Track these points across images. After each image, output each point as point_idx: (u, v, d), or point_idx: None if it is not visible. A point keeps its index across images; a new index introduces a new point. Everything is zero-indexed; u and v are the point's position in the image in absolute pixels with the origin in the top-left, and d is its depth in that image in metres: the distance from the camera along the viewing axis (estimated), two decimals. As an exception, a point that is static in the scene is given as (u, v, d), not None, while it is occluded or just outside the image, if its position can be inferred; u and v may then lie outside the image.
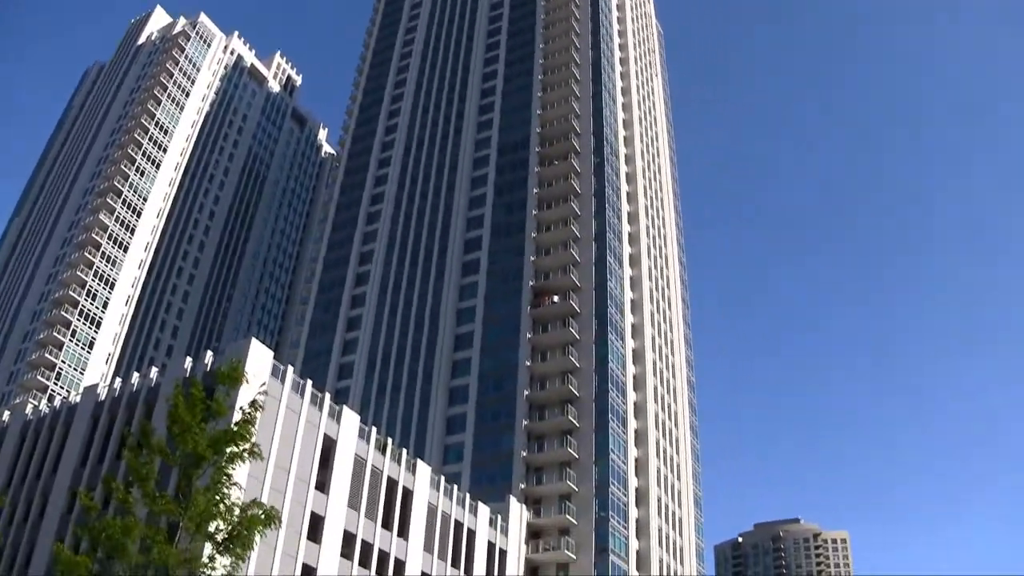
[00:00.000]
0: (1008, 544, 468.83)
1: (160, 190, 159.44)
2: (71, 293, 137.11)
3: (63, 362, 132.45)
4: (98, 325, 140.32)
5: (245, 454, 28.44)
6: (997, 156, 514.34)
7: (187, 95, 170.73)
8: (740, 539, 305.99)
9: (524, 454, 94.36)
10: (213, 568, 27.51)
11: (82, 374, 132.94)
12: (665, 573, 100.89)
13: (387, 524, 67.05)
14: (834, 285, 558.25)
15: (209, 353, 62.49)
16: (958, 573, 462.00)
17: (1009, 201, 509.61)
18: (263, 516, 27.46)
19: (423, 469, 72.59)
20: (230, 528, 27.22)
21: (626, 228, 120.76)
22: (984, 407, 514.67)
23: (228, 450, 28.11)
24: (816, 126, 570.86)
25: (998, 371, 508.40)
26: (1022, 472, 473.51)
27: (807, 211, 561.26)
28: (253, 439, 28.57)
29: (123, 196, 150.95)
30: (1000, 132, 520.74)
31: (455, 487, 77.67)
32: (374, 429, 69.31)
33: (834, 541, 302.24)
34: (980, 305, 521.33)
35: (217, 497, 27.40)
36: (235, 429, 28.08)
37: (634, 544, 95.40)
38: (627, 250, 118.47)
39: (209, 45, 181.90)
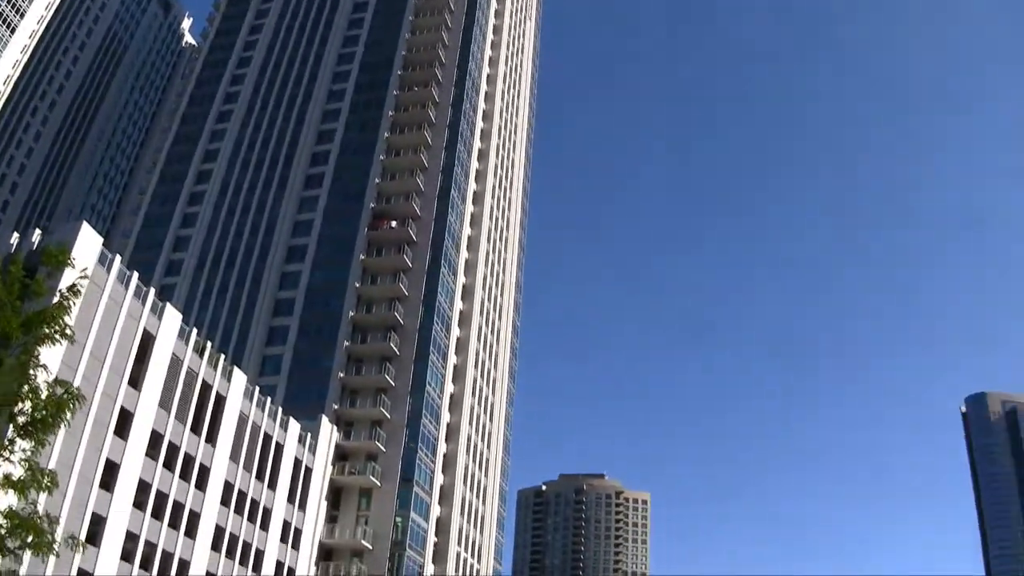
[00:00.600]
0: (796, 514, 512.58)
1: (11, 56, 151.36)
2: None
3: None
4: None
5: (57, 335, 28.90)
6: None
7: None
8: (544, 487, 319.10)
9: (342, 375, 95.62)
10: (12, 451, 28.13)
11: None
12: (467, 510, 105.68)
13: (196, 428, 67.09)
14: (667, 243, 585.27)
15: (37, 232, 60.94)
16: (748, 543, 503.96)
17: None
18: (67, 397, 28.05)
19: (239, 377, 72.82)
20: (34, 410, 27.90)
21: (475, 165, 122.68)
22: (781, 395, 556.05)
23: (39, 331, 28.61)
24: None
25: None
26: (812, 450, 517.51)
27: (649, 171, 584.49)
28: (67, 322, 29.07)
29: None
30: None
31: (269, 399, 78.39)
32: (195, 330, 68.79)
33: (635, 500, 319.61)
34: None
35: (24, 378, 27.78)
36: (50, 311, 28.60)
37: (439, 478, 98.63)
38: (472, 187, 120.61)
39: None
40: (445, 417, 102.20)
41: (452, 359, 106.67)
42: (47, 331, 27.80)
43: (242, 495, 72.21)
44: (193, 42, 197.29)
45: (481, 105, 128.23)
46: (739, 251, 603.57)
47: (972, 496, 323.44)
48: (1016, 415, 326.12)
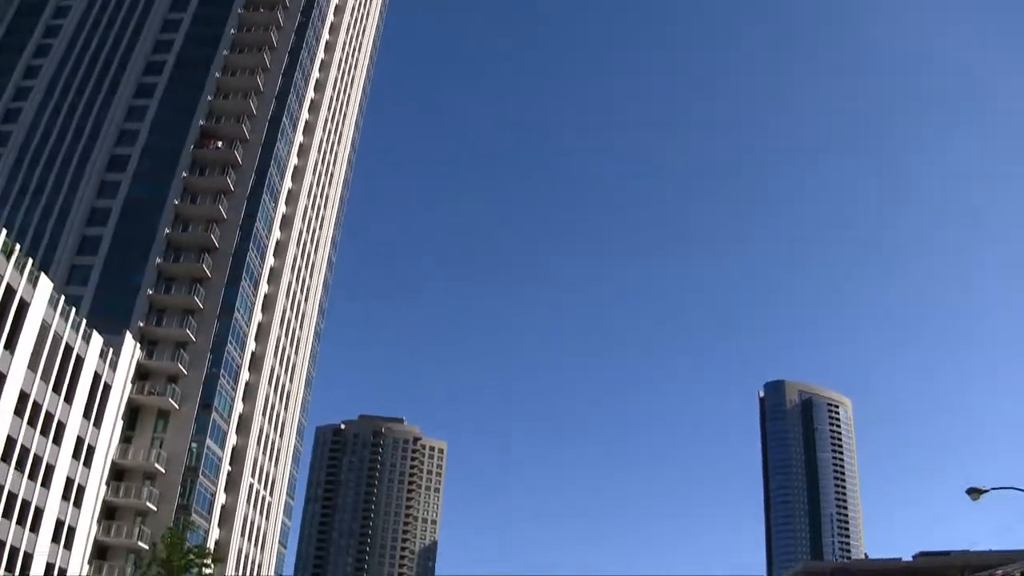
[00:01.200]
0: (588, 486, 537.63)
1: None
2: None
3: None
4: None
5: None
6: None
7: None
8: (343, 426, 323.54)
9: (151, 292, 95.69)
10: None
11: None
12: (264, 441, 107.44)
13: (-6, 333, 65.12)
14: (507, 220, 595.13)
15: None
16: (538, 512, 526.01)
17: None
18: None
19: (45, 284, 71.35)
20: None
21: (310, 94, 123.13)
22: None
23: None
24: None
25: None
26: (610, 426, 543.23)
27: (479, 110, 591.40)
28: None
29: None
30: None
31: (74, 310, 77.40)
32: (3, 231, 67.25)
33: (432, 448, 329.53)
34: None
35: None
36: None
37: (239, 407, 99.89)
38: (305, 116, 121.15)
39: None
40: (251, 346, 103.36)
41: (264, 287, 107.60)
42: None
43: (37, 406, 70.88)
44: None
45: (325, 35, 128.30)
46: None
47: (761, 481, 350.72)
48: (811, 405, 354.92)
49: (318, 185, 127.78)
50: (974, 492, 35.31)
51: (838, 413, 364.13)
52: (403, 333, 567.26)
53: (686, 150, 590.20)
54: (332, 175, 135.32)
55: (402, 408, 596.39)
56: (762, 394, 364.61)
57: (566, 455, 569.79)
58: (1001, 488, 36.78)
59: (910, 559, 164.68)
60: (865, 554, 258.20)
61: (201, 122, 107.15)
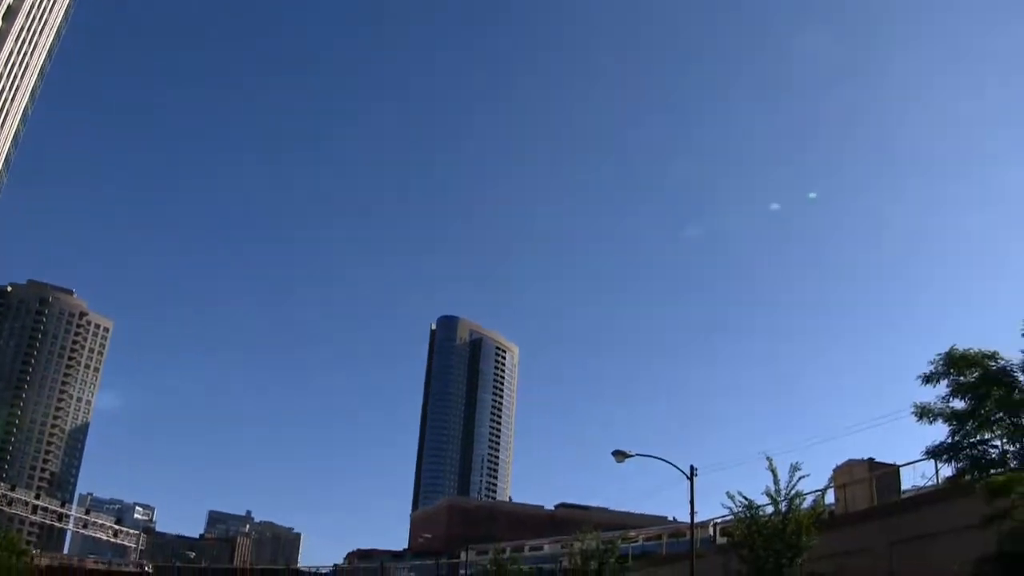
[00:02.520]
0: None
1: None
2: None
3: None
4: None
5: None
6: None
7: None
8: (9, 288, 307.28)
9: None
10: None
11: None
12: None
13: None
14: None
15: None
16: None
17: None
18: None
19: None
20: None
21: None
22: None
23: None
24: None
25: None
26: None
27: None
28: None
29: None
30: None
31: None
32: None
33: (98, 326, 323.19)
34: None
35: None
36: None
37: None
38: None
39: None
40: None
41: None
42: None
43: None
44: None
45: None
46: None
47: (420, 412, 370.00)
48: (480, 345, 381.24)
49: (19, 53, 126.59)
50: (619, 455, 42.68)
51: (505, 358, 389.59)
52: (89, 205, 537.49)
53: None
54: (36, 44, 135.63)
55: (75, 278, 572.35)
56: (434, 327, 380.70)
57: (249, 364, 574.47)
58: (644, 455, 43.83)
59: (552, 508, 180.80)
60: (510, 497, 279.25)
61: None
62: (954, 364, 25.38)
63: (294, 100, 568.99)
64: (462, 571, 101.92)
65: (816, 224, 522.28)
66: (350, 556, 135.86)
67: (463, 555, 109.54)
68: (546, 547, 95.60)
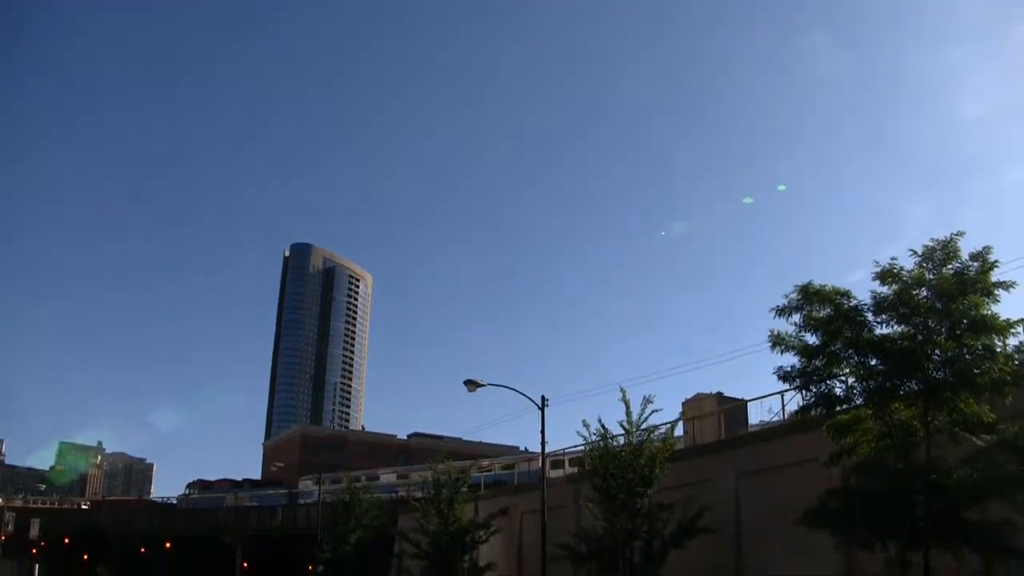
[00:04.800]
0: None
1: None
2: None
3: None
4: None
5: None
6: None
7: None
8: None
9: None
10: None
11: None
12: None
13: None
14: None
15: None
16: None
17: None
18: None
19: None
20: None
21: None
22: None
23: None
24: None
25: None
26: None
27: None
28: None
29: None
30: None
31: None
32: None
33: None
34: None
35: None
36: None
37: None
38: None
39: None
40: None
41: None
42: None
43: None
44: None
45: None
46: None
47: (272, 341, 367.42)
48: (334, 274, 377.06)
49: None
50: (471, 384, 42.51)
51: (358, 286, 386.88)
52: None
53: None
54: None
55: None
56: (287, 254, 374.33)
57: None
58: (495, 385, 43.71)
59: (404, 437, 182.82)
60: (363, 426, 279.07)
61: None
62: (808, 298, 25.48)
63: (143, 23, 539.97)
64: (301, 500, 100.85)
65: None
66: (191, 486, 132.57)
67: (300, 484, 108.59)
68: (398, 476, 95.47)
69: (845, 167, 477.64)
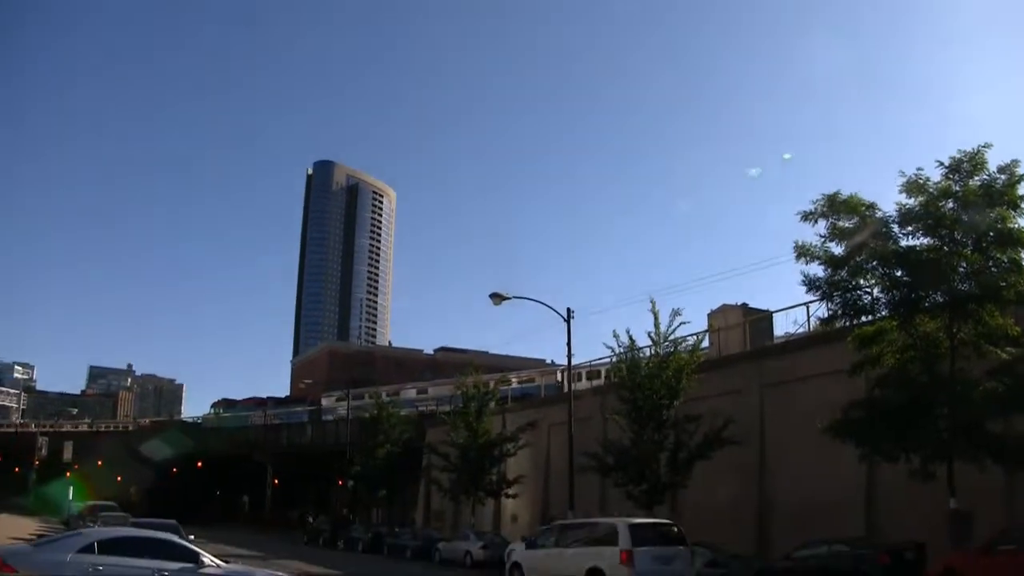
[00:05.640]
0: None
1: None
2: None
3: None
4: None
5: None
6: None
7: None
8: None
9: None
10: None
11: None
12: None
13: None
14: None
15: None
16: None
17: None
18: None
19: None
20: None
21: None
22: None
23: None
24: None
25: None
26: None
27: None
28: None
29: None
30: None
31: None
32: None
33: None
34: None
35: None
36: None
37: None
38: None
39: None
40: None
41: None
42: None
43: None
44: None
45: None
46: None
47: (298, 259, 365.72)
48: (357, 190, 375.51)
49: None
50: (496, 297, 42.35)
51: (382, 202, 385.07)
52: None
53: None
54: None
55: None
56: (311, 171, 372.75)
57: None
58: (521, 297, 43.59)
59: (431, 352, 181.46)
60: (389, 342, 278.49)
61: None
62: (835, 207, 25.36)
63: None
64: (326, 416, 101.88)
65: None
66: (215, 405, 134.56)
67: (323, 400, 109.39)
68: (429, 390, 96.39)
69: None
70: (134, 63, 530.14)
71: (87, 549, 17.72)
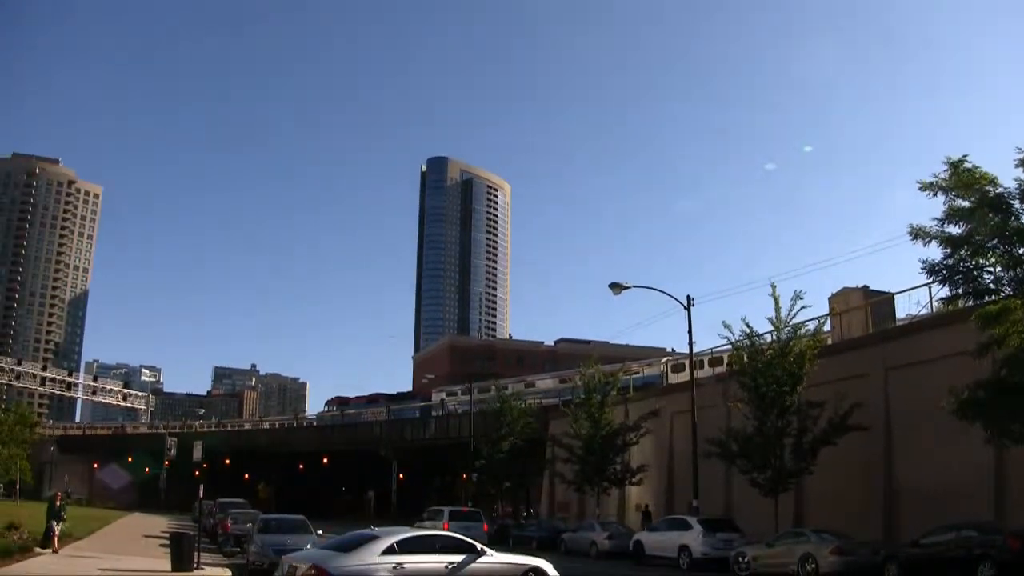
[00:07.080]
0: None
1: None
2: None
3: None
4: None
5: None
6: None
7: None
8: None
9: None
10: None
11: None
12: None
13: None
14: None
15: None
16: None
17: None
18: None
19: None
20: None
21: None
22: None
23: None
24: None
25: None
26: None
27: None
28: None
29: None
30: None
31: None
32: None
33: (87, 192, 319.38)
34: None
35: None
36: None
37: None
38: None
39: None
40: None
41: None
42: None
43: None
44: None
45: None
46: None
47: (416, 255, 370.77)
48: (472, 185, 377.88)
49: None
50: (616, 287, 42.35)
51: (497, 196, 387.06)
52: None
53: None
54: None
55: (59, 148, 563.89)
56: (424, 168, 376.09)
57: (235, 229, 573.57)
58: (640, 287, 43.46)
59: (552, 344, 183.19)
60: (510, 335, 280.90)
61: None
62: (958, 176, 24.64)
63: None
64: (434, 412, 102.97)
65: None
66: (329, 403, 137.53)
67: (433, 395, 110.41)
68: (549, 382, 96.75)
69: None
70: (259, 75, 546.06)
71: (389, 550, 19.25)
